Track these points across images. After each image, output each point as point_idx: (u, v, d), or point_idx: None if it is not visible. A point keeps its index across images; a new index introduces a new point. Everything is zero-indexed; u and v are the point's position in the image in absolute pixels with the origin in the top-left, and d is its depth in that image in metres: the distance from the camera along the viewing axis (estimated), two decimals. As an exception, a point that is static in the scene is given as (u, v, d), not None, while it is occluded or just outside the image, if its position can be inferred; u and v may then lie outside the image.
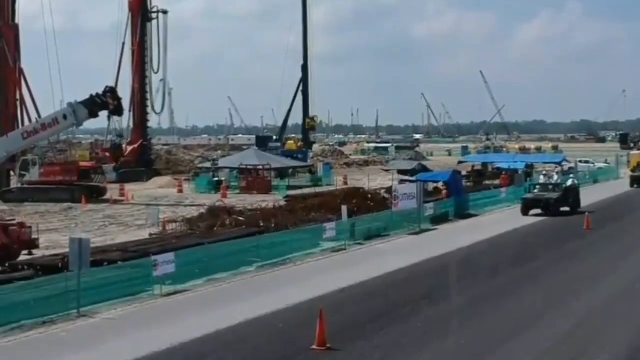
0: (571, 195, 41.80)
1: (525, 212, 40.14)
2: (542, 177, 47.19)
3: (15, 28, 60.15)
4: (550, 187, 42.26)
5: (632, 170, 62.02)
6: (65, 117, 26.09)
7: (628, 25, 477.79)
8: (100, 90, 26.63)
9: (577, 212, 40.37)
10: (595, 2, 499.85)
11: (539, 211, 40.48)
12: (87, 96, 26.40)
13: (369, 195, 39.86)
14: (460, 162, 73.26)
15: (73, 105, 26.15)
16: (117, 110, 26.94)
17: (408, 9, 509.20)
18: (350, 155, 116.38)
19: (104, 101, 26.05)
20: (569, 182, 43.53)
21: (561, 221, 38.61)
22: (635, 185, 59.25)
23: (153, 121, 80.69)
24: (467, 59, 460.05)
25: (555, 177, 46.27)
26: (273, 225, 32.55)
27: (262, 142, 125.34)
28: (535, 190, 42.26)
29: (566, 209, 40.65)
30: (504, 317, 19.07)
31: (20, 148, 28.80)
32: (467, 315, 18.78)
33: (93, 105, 26.08)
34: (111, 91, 26.70)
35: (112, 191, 55.39)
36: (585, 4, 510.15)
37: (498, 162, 66.24)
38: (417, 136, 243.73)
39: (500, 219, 39.56)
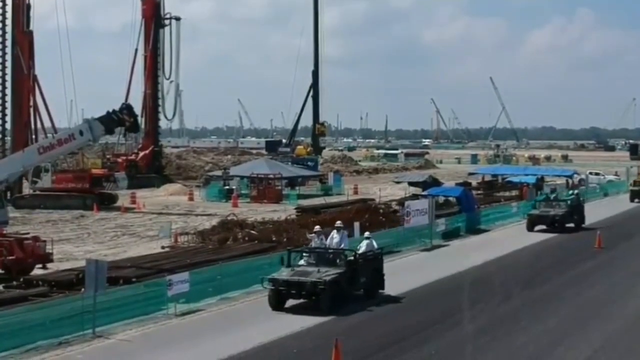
0: (365, 272, 23.62)
1: (275, 306, 22.24)
2: (314, 236, 26.23)
3: (30, 35, 60.47)
4: (330, 256, 23.64)
5: (634, 184, 60.24)
6: (81, 133, 26.33)
7: (639, 34, 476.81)
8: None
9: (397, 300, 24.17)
10: (606, 11, 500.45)
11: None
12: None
13: (381, 211, 39.85)
14: (470, 174, 73.33)
15: (89, 121, 26.41)
16: (133, 128, 27.16)
17: (419, 14, 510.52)
18: (359, 161, 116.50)
19: (120, 118, 26.27)
20: (362, 247, 25.06)
21: (571, 239, 38.60)
22: (637, 200, 57.58)
23: (162, 122, 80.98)
24: (477, 65, 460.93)
25: (336, 239, 25.34)
26: (285, 239, 32.69)
27: (272, 146, 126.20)
28: (302, 262, 23.53)
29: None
30: (516, 347, 19.02)
31: (36, 163, 29.15)
32: (481, 344, 18.83)
33: (109, 122, 26.33)
34: (127, 108, 26.92)
35: (123, 198, 55.67)
36: (596, 12, 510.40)
37: (508, 174, 66.31)
38: (426, 141, 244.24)
39: (511, 235, 39.43)
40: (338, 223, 26.82)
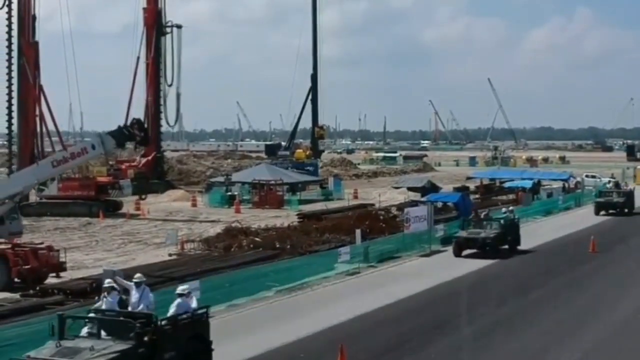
0: (176, 344, 16.33)
1: None
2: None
3: (36, 45, 61.58)
4: (118, 324, 16.16)
5: (600, 194, 53.00)
6: (93, 147, 27.38)
7: (637, 34, 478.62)
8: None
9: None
10: (605, 10, 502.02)
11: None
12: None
13: (381, 217, 40.91)
14: (468, 178, 74.29)
15: (101, 135, 27.45)
16: (144, 141, 28.18)
17: (418, 14, 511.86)
18: (358, 164, 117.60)
19: (131, 133, 27.31)
20: (173, 308, 17.26)
21: (565, 243, 39.61)
22: (603, 213, 50.33)
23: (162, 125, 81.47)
24: (475, 65, 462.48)
25: (134, 297, 17.94)
26: (289, 246, 33.74)
27: (271, 150, 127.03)
28: (85, 331, 16.31)
29: None
30: (513, 350, 20.01)
31: (49, 176, 30.15)
32: (478, 348, 19.86)
33: (120, 136, 27.36)
34: (138, 123, 27.97)
35: (128, 204, 56.65)
36: (595, 12, 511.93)
37: (506, 179, 67.20)
38: (424, 143, 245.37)
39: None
40: (137, 277, 18.39)
